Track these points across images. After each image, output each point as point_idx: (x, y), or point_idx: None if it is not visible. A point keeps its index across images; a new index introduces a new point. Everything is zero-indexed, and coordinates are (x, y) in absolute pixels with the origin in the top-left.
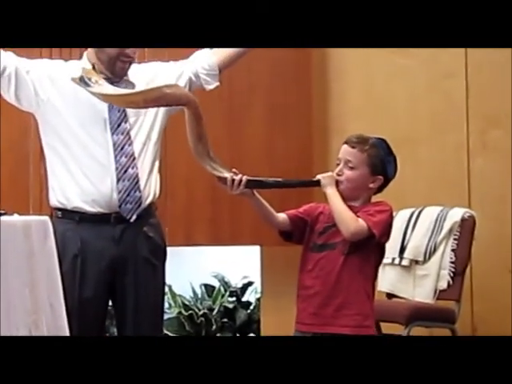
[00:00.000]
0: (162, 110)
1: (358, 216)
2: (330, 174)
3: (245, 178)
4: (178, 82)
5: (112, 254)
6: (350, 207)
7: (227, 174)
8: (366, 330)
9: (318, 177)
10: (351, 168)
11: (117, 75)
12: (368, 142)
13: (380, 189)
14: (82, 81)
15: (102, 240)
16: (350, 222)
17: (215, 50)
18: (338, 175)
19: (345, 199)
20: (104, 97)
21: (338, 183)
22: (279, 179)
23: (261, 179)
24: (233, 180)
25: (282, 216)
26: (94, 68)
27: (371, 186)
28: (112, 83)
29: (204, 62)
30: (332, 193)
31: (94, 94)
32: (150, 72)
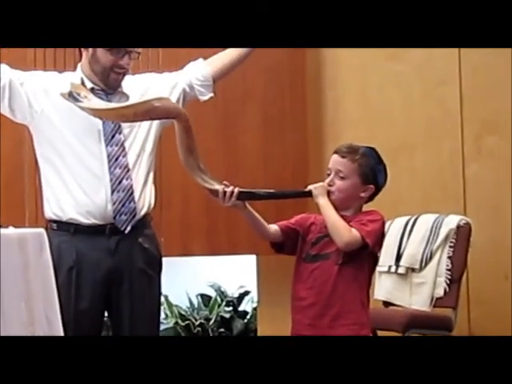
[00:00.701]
0: (156, 121)
1: (350, 226)
2: (321, 184)
3: (236, 189)
4: (172, 92)
5: (107, 265)
6: (342, 217)
7: (218, 186)
8: None
9: (310, 187)
10: (342, 178)
11: (110, 87)
12: (358, 152)
13: (371, 198)
14: (71, 96)
15: (97, 252)
16: (343, 232)
17: (209, 60)
18: (329, 185)
19: (337, 209)
20: (93, 111)
21: (329, 193)
22: (271, 190)
23: (252, 191)
24: (224, 192)
25: (273, 227)
26: (82, 83)
27: (362, 195)
28: (106, 95)
29: (198, 72)
30: (324, 203)
31: (83, 109)
32: (144, 83)
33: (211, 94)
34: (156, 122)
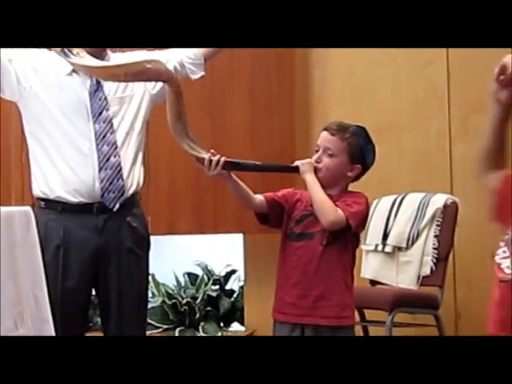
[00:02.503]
0: (145, 99)
1: (336, 205)
2: (308, 160)
3: (223, 158)
4: None
5: (95, 244)
6: (328, 196)
7: (205, 155)
8: (345, 320)
9: (297, 163)
10: (330, 155)
11: (98, 51)
12: (348, 130)
13: (357, 177)
14: (63, 52)
15: (84, 230)
16: (329, 210)
17: None
18: (317, 162)
19: (323, 187)
20: (84, 68)
21: (316, 170)
22: (258, 162)
23: (239, 161)
24: (210, 160)
25: (259, 198)
26: None
27: (349, 174)
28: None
29: (189, 51)
30: (311, 180)
31: (74, 65)
32: (139, 56)
33: (202, 73)
34: (146, 101)
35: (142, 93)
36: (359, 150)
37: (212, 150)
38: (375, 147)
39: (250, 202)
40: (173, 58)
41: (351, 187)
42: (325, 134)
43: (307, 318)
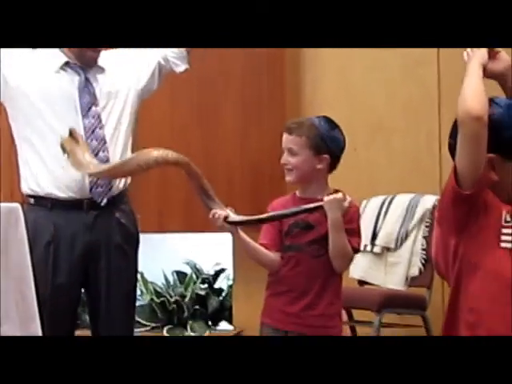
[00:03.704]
0: (131, 95)
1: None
2: (334, 197)
3: (223, 214)
4: (149, 66)
5: (85, 240)
6: (311, 200)
7: (214, 210)
8: (331, 330)
9: (323, 202)
10: (294, 155)
11: (87, 64)
12: (304, 125)
13: (332, 167)
14: (62, 148)
15: (74, 227)
16: (346, 262)
17: None
18: (285, 165)
19: (301, 187)
20: (100, 174)
21: (286, 173)
22: (262, 216)
23: (243, 219)
24: (214, 214)
25: (272, 255)
26: (70, 134)
27: (319, 167)
28: (82, 69)
29: None
30: (334, 222)
31: (92, 175)
32: (121, 55)
33: (186, 66)
34: (132, 95)
35: (127, 88)
36: (320, 140)
37: (229, 208)
38: (341, 132)
39: (266, 262)
40: (156, 53)
41: (345, 186)
42: (284, 135)
43: (293, 326)
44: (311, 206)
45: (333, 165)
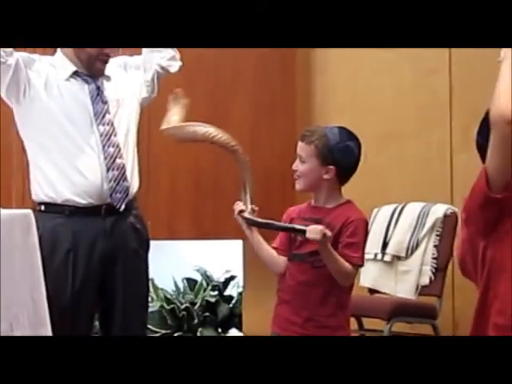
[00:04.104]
0: (135, 103)
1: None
2: (315, 227)
3: (240, 207)
4: (146, 74)
5: (103, 246)
6: (321, 209)
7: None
8: None
9: (307, 228)
10: (303, 162)
11: (95, 74)
12: (316, 133)
13: (342, 180)
14: None
15: (93, 233)
16: (347, 279)
17: None
18: (294, 171)
19: (314, 197)
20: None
21: (295, 180)
22: (269, 221)
23: (252, 218)
24: (234, 205)
25: (281, 259)
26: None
27: (325, 177)
28: (91, 77)
29: (162, 50)
30: (321, 250)
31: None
32: (121, 65)
33: (179, 63)
34: (136, 103)
35: (131, 97)
36: (327, 151)
37: (253, 206)
38: (352, 145)
39: (272, 263)
40: (153, 63)
41: (348, 191)
42: (299, 142)
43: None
44: (297, 227)
45: (342, 176)
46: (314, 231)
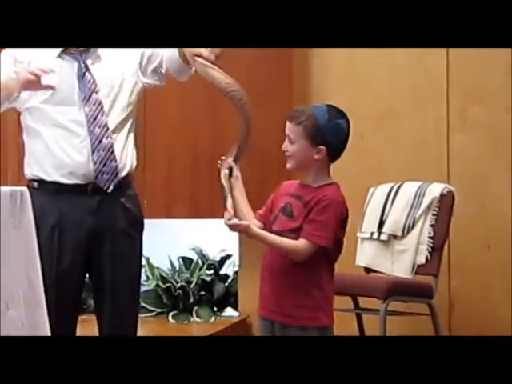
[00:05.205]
0: (137, 87)
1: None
2: (239, 223)
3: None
4: (151, 62)
5: (89, 225)
6: (307, 188)
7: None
8: (312, 322)
9: (230, 223)
10: (292, 143)
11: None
12: (304, 113)
13: (332, 157)
14: None
15: (79, 211)
16: (294, 252)
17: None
18: (285, 152)
19: (304, 176)
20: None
21: (287, 160)
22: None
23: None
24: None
25: (256, 223)
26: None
27: (316, 157)
28: (81, 54)
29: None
30: (257, 235)
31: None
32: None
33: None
34: (137, 89)
35: (134, 80)
36: (316, 131)
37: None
38: (341, 123)
39: (245, 220)
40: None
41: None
42: (287, 121)
43: (274, 315)
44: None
45: (332, 155)
46: (230, 227)
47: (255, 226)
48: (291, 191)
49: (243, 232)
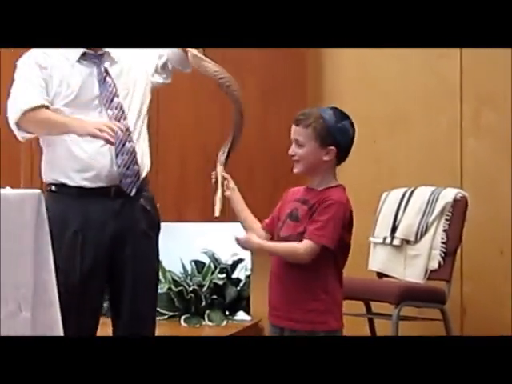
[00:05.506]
0: (148, 85)
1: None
2: (244, 237)
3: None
4: (160, 60)
5: (112, 228)
6: (312, 191)
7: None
8: (321, 326)
9: (239, 239)
10: (300, 146)
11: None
12: (311, 116)
13: (340, 159)
14: None
15: (102, 214)
16: (295, 256)
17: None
18: (292, 156)
19: (310, 180)
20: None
21: (294, 164)
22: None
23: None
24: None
25: (261, 232)
26: None
27: (325, 158)
28: (98, 57)
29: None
30: (261, 247)
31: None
32: (130, 53)
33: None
34: (148, 86)
35: (144, 78)
36: (326, 131)
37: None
38: (348, 124)
39: (250, 228)
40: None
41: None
42: (292, 126)
43: (285, 322)
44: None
45: (341, 157)
46: (238, 242)
47: (261, 235)
48: (298, 197)
49: (247, 246)
